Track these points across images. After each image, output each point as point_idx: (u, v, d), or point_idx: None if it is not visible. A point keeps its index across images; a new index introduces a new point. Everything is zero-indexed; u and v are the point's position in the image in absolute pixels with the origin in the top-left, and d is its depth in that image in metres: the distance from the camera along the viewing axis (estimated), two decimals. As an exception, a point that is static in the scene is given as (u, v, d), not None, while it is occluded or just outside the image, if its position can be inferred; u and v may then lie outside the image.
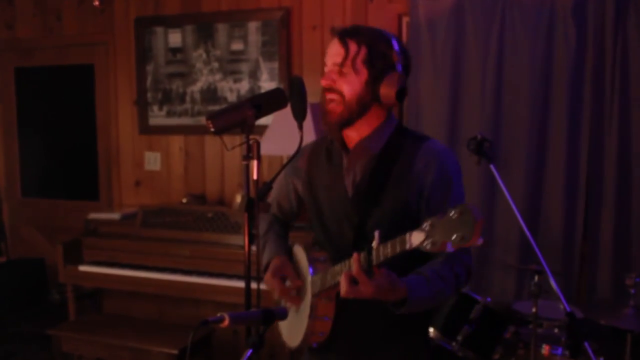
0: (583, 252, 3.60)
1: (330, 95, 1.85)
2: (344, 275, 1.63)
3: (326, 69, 1.88)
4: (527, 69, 3.56)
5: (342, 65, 1.82)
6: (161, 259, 3.89)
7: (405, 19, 3.88)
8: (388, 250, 1.54)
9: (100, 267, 4.00)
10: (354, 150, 1.90)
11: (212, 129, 1.79)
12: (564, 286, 3.20)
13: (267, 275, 1.99)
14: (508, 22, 3.58)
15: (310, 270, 1.92)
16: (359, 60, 1.81)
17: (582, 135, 3.52)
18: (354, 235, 1.86)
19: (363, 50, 1.81)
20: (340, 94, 1.83)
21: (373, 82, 1.82)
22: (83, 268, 4.03)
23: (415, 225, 1.51)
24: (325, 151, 2.01)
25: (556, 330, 3.13)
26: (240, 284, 3.52)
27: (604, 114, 3.50)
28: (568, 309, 2.70)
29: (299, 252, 2.03)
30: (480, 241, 1.35)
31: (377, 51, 1.82)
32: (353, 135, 1.90)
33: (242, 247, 3.65)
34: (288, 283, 1.97)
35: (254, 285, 1.81)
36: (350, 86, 1.82)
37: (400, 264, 1.63)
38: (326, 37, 4.03)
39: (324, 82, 1.85)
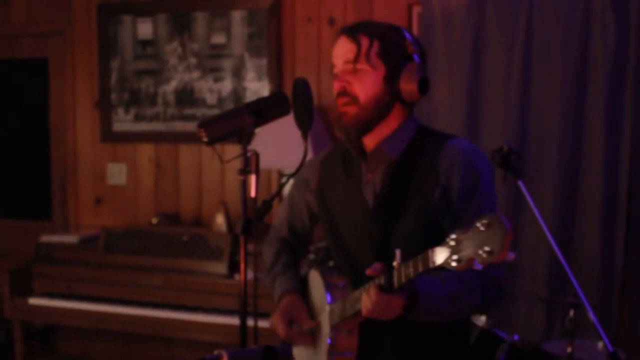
0: (624, 281, 3.65)
1: (343, 99, 1.93)
2: (364, 299, 1.72)
3: (336, 70, 1.95)
4: (559, 69, 3.62)
5: (355, 61, 1.90)
6: (127, 290, 3.90)
7: (416, 10, 3.95)
8: (410, 270, 1.61)
9: (54, 299, 4.01)
10: (371, 155, 1.98)
11: (205, 139, 1.85)
12: (601, 321, 3.22)
13: (275, 317, 2.07)
14: (537, 13, 3.65)
15: (329, 298, 1.98)
16: (373, 54, 1.90)
17: (623, 146, 3.58)
18: (377, 255, 1.92)
19: (376, 43, 1.90)
20: (354, 97, 1.91)
21: (391, 78, 1.91)
22: (33, 301, 4.04)
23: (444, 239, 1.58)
24: (341, 161, 2.09)
25: (593, 374, 3.19)
26: (220, 319, 3.62)
27: (648, 120, 3.57)
28: (611, 349, 2.75)
29: (315, 278, 2.09)
30: (511, 256, 1.40)
31: (391, 42, 1.91)
32: (372, 141, 1.98)
33: (224, 276, 3.75)
34: (296, 326, 2.05)
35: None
36: (365, 86, 1.91)
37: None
38: (323, 31, 4.09)
39: (337, 85, 1.93)
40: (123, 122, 4.53)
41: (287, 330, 2.03)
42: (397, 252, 1.65)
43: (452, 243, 1.47)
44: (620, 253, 3.62)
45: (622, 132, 3.59)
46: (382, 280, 1.69)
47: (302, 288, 2.16)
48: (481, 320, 3.18)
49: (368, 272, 1.71)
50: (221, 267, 3.81)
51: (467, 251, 1.43)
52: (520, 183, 3.17)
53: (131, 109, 4.51)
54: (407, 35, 1.95)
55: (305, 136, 1.89)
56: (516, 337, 3.14)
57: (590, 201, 3.64)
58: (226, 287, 3.69)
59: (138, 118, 4.50)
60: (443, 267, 1.50)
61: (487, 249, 1.39)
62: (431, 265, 1.53)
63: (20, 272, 4.10)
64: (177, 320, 3.75)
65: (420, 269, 1.57)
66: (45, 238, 4.28)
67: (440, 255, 1.50)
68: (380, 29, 1.93)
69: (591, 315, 2.93)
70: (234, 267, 3.80)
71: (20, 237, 4.75)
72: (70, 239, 4.26)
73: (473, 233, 1.43)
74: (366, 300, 1.71)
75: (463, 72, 3.78)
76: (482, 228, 1.41)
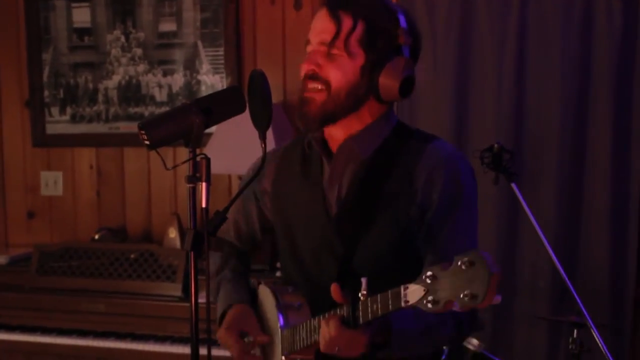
0: (637, 298, 3.67)
1: (312, 84, 1.92)
2: (323, 331, 1.72)
3: (309, 49, 1.94)
4: (558, 57, 3.65)
5: (331, 45, 1.89)
6: (65, 317, 3.87)
7: (394, -10, 3.95)
8: (378, 305, 1.60)
9: (-20, 330, 3.99)
10: (338, 153, 1.98)
11: (147, 142, 1.79)
12: (612, 343, 3.29)
13: (221, 331, 2.04)
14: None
15: (281, 321, 1.96)
16: (353, 40, 1.88)
17: (632, 143, 3.62)
18: (338, 271, 1.93)
19: (360, 27, 1.88)
20: (326, 82, 1.90)
21: (371, 69, 1.89)
22: (-44, 333, 4.00)
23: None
24: (300, 157, 2.08)
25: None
26: (175, 348, 3.63)
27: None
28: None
29: (266, 296, 2.07)
30: (497, 299, 1.38)
31: (379, 28, 1.89)
32: (339, 134, 1.97)
33: (178, 298, 3.72)
34: (249, 339, 2.02)
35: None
36: (340, 73, 1.89)
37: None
38: (288, 15, 4.09)
39: (306, 67, 1.92)
40: (58, 123, 4.51)
41: (239, 343, 2.00)
42: (363, 281, 1.64)
43: (429, 281, 1.45)
44: (633, 265, 3.65)
45: (631, 126, 3.63)
46: (344, 311, 1.68)
47: (252, 302, 2.15)
48: (473, 343, 3.17)
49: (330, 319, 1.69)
50: (175, 289, 3.78)
51: (446, 293, 1.42)
52: (514, 186, 3.19)
53: (67, 108, 4.49)
54: (403, 20, 1.92)
55: (262, 136, 1.85)
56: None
57: (596, 206, 3.67)
58: (181, 311, 3.66)
59: (76, 119, 4.48)
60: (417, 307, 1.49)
61: (469, 292, 1.37)
62: (403, 304, 1.52)
63: (-61, 301, 4.04)
64: (125, 350, 3.71)
65: (391, 307, 1.57)
66: (-31, 260, 4.25)
67: (414, 294, 1.49)
68: (370, 9, 1.91)
69: (596, 335, 2.96)
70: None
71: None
72: (-2, 259, 4.24)
73: (453, 272, 1.41)
74: (325, 333, 1.70)
75: (449, 59, 3.80)
76: (463, 267, 1.39)
